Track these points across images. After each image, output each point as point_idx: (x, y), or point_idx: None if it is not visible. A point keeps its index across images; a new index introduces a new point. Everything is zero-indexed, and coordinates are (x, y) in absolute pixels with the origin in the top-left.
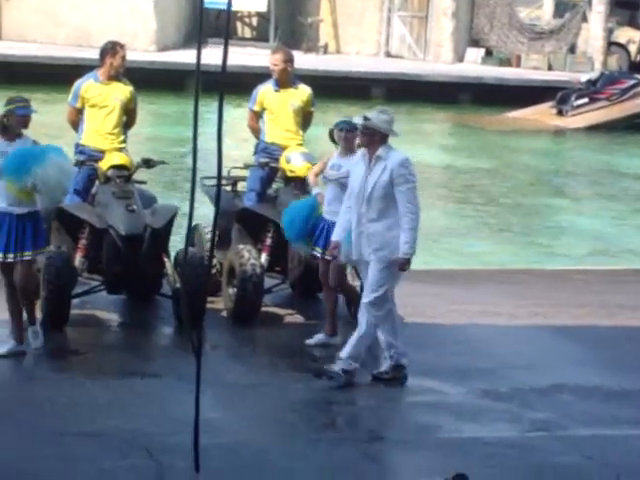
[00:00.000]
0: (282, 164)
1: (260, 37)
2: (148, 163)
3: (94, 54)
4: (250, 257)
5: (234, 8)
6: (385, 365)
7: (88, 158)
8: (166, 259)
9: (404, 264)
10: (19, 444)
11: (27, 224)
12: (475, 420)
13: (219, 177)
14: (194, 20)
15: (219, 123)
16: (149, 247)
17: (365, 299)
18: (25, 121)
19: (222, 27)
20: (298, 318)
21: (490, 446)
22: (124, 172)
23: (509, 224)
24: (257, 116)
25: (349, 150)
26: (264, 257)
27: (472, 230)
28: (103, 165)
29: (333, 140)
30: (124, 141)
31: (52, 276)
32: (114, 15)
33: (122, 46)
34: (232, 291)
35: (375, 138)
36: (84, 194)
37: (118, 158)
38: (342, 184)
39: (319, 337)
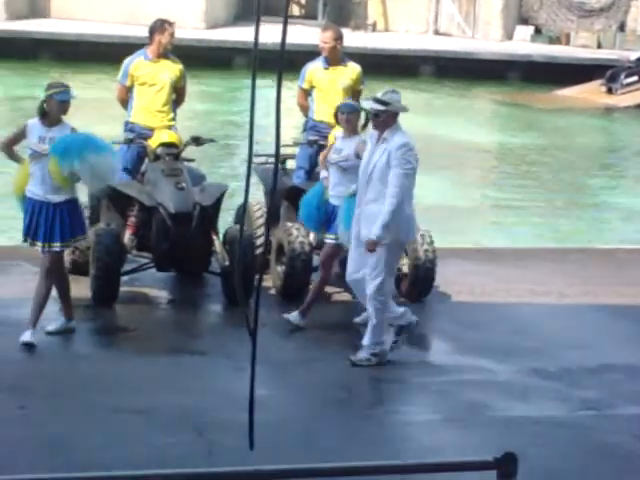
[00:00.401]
0: (331, 141)
1: (309, 15)
2: (197, 141)
3: (143, 32)
4: (299, 235)
5: None
6: (365, 352)
7: (137, 136)
8: (215, 237)
9: (371, 244)
10: (69, 421)
11: (64, 212)
12: (524, 399)
13: (277, 155)
14: None
15: (277, 102)
16: (198, 225)
17: (370, 285)
18: (64, 107)
19: (271, 5)
20: (346, 296)
21: (539, 425)
22: (173, 150)
23: (558, 202)
24: (306, 94)
25: (351, 132)
26: (312, 235)
27: (521, 208)
28: (152, 143)
29: (338, 122)
30: (173, 119)
31: (102, 254)
32: None
33: (171, 24)
34: (281, 269)
35: (389, 120)
36: (133, 172)
37: (167, 136)
38: (343, 168)
39: (365, 315)
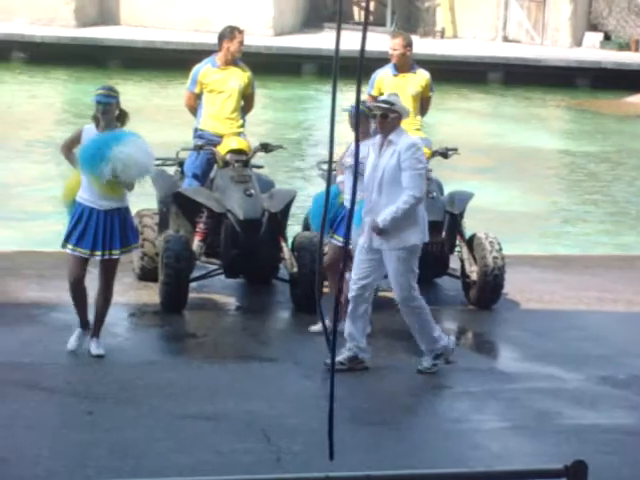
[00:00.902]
0: None
1: (377, 22)
2: (266, 147)
3: (212, 39)
4: None
5: None
6: (343, 355)
7: (206, 142)
8: (283, 243)
9: (375, 227)
10: (138, 426)
11: (115, 220)
12: (594, 407)
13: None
14: (311, 5)
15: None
16: (267, 231)
17: (399, 299)
18: (101, 109)
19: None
20: None
21: (608, 433)
22: (242, 156)
23: (626, 210)
24: (375, 100)
25: (363, 136)
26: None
27: (589, 215)
28: (221, 149)
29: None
30: (242, 125)
31: (171, 260)
32: (232, 0)
33: (240, 31)
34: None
35: (395, 122)
36: (202, 178)
37: (236, 142)
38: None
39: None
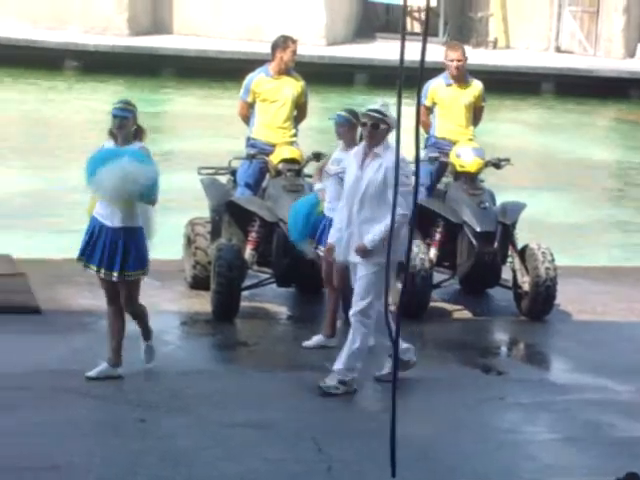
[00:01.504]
0: (452, 159)
1: (429, 32)
2: (318, 157)
3: (265, 48)
4: (419, 252)
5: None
6: (334, 379)
7: (259, 152)
8: None
9: (363, 250)
10: (188, 434)
11: (119, 241)
12: None
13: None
14: (363, 15)
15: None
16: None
17: (356, 307)
18: (118, 124)
19: (393, 22)
20: (466, 314)
21: None
22: (295, 166)
23: None
24: (428, 111)
25: (350, 144)
26: (433, 252)
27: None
28: (274, 159)
29: (338, 134)
30: (294, 135)
31: (223, 269)
32: (284, 9)
33: (294, 41)
34: (401, 286)
35: (384, 134)
36: (255, 187)
37: (289, 152)
38: (341, 179)
39: (317, 338)
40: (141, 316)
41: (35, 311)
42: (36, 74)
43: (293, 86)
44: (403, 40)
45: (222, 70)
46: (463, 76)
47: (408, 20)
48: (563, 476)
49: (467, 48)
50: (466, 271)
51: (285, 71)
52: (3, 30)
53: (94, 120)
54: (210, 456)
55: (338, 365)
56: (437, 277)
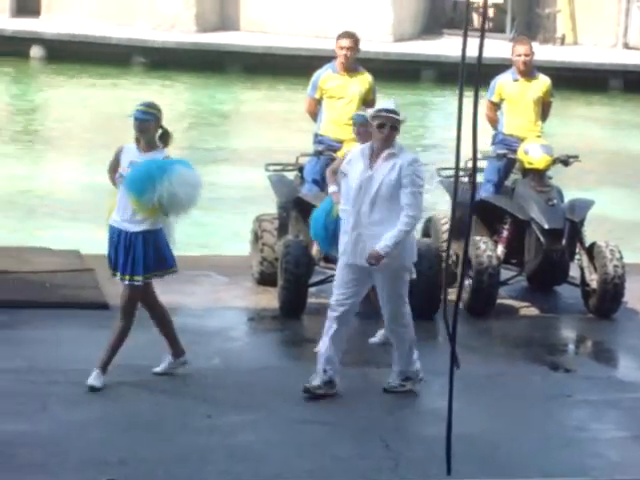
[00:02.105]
0: (520, 155)
1: (497, 28)
2: None
3: (331, 45)
4: (486, 249)
5: None
6: (318, 380)
7: (326, 148)
8: None
9: (377, 257)
10: (256, 430)
11: (138, 244)
12: None
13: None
14: (430, 11)
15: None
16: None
17: (389, 317)
18: (138, 126)
19: (458, 18)
20: (534, 311)
21: None
22: None
23: None
24: (495, 107)
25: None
26: (500, 249)
27: None
28: (342, 155)
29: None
30: None
31: (290, 265)
32: (351, 6)
33: (348, 35)
34: (468, 282)
35: (397, 133)
36: (322, 184)
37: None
38: None
39: (381, 333)
40: (166, 320)
41: (103, 306)
42: (104, 70)
43: (361, 82)
44: (465, 37)
45: (288, 67)
46: (530, 71)
47: (475, 16)
48: (631, 474)
49: (534, 44)
50: (534, 268)
51: (353, 68)
52: (72, 26)
53: (164, 116)
54: (278, 452)
55: (396, 367)
56: (504, 274)
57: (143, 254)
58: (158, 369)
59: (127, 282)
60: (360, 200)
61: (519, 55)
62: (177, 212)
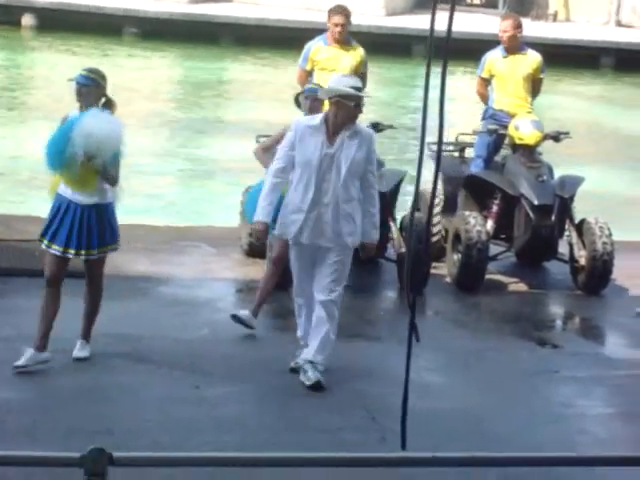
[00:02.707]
0: (510, 131)
1: (489, 4)
2: (376, 127)
3: (323, 18)
4: (476, 224)
5: None
6: (314, 375)
7: None
8: (392, 223)
9: (373, 250)
10: (243, 401)
11: (92, 217)
12: None
13: (440, 142)
14: None
15: (442, 89)
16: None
17: (332, 293)
18: (79, 90)
19: None
20: (522, 286)
21: None
22: None
23: None
24: (486, 83)
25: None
26: (490, 224)
27: None
28: None
29: (298, 105)
30: None
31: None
32: None
33: (339, 11)
34: (456, 257)
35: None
36: None
37: None
38: None
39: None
40: (98, 300)
41: None
42: (96, 40)
43: (352, 55)
44: (434, 10)
45: (280, 39)
46: (518, 47)
47: None
48: (617, 451)
49: (526, 21)
50: (523, 244)
51: (344, 40)
52: None
53: (153, 87)
54: (266, 424)
55: (318, 357)
56: (493, 249)
57: (95, 228)
58: (20, 362)
59: (83, 257)
60: (320, 177)
61: (503, 31)
62: (103, 150)
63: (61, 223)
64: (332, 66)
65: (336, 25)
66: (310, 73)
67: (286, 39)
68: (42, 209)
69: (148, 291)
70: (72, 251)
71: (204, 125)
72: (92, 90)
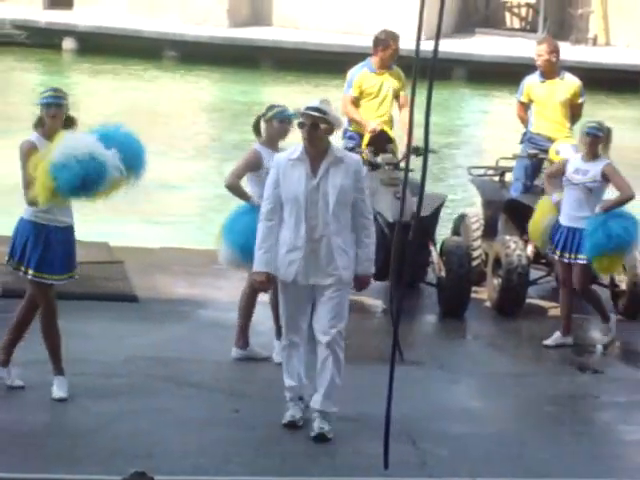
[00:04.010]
0: (551, 155)
1: (529, 28)
2: (416, 151)
3: (363, 42)
4: (516, 248)
5: None
6: (298, 410)
7: (357, 144)
8: (432, 247)
9: (368, 283)
10: (283, 424)
11: (71, 239)
12: None
13: (424, 166)
14: (463, 9)
15: (427, 108)
16: (416, 235)
17: (333, 330)
18: (54, 112)
19: (490, 17)
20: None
21: None
22: (393, 160)
23: None
24: (525, 107)
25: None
26: (530, 248)
27: None
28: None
29: (257, 131)
30: (392, 127)
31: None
32: (384, 3)
33: (395, 39)
34: (497, 282)
35: (327, 134)
36: None
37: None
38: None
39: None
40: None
41: (132, 299)
42: (136, 63)
43: (392, 81)
44: (419, 32)
45: (320, 62)
46: (555, 72)
47: (507, 15)
48: None
49: (566, 45)
50: None
51: (387, 67)
52: (104, 18)
53: (192, 110)
54: (304, 448)
55: (328, 406)
56: (534, 274)
57: (73, 250)
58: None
59: (66, 280)
60: (309, 211)
61: (538, 55)
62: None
63: (47, 250)
64: (375, 93)
65: (394, 50)
66: (357, 99)
67: (325, 63)
68: (81, 233)
69: (187, 314)
70: (65, 276)
71: (243, 149)
72: (63, 110)
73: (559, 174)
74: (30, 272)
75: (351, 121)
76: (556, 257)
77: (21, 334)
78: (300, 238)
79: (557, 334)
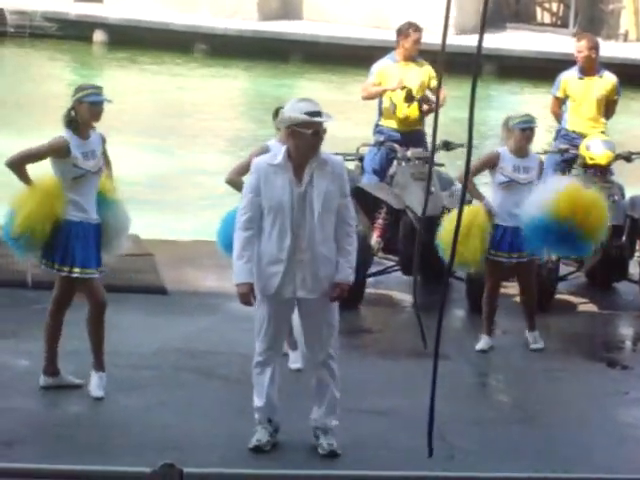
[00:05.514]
0: (582, 151)
1: (560, 23)
2: (447, 146)
3: (391, 36)
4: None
5: None
6: (265, 434)
7: (387, 138)
8: None
9: (346, 291)
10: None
11: (97, 233)
12: None
13: (467, 167)
14: (494, 3)
15: (471, 102)
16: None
17: (327, 347)
18: (97, 111)
19: (521, 11)
20: (592, 307)
21: None
22: (423, 154)
23: None
24: (560, 102)
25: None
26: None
27: None
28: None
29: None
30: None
31: None
32: None
33: (417, 29)
34: None
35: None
36: (382, 174)
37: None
38: None
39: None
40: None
41: (161, 291)
42: (165, 56)
43: (417, 73)
44: (446, 26)
45: (350, 56)
46: (593, 69)
47: (538, 10)
48: None
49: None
50: (593, 264)
51: (410, 58)
52: (134, 11)
53: (221, 103)
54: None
55: (331, 421)
56: (563, 270)
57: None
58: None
59: (99, 274)
60: (294, 221)
61: (578, 51)
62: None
63: (87, 245)
64: (394, 83)
65: (415, 40)
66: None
67: (355, 56)
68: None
69: (217, 307)
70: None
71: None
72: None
73: (487, 168)
74: (76, 270)
75: (380, 111)
76: (503, 260)
77: (57, 340)
78: (284, 250)
79: (485, 338)
